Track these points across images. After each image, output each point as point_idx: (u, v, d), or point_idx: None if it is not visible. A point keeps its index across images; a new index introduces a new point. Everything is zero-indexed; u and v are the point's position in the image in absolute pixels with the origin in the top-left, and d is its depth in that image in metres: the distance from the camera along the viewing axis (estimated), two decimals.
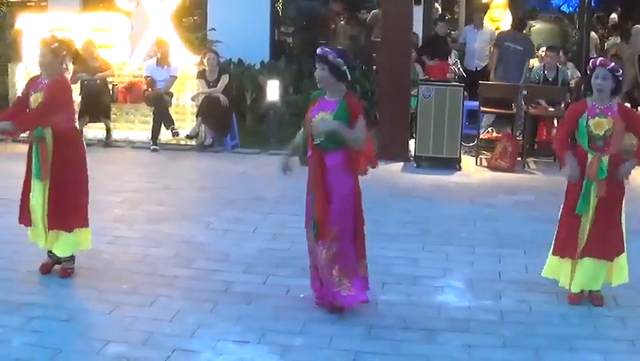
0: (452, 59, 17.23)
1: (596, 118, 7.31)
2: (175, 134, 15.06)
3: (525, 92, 15.08)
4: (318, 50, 7.10)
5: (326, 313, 7.16)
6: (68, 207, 7.94)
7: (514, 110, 14.88)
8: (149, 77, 15.49)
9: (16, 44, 16.64)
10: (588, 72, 7.53)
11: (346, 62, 7.08)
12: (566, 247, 7.55)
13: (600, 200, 7.34)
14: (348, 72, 7.10)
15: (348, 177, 7.04)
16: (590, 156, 7.32)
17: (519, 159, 14.19)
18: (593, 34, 20.69)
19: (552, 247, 7.72)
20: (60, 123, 7.82)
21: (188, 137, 15.24)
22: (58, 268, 8.10)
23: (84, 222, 8.12)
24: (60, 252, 8.03)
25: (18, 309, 7.11)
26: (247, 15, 17.57)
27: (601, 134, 7.29)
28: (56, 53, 7.82)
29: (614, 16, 23.59)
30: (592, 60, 7.52)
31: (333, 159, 6.98)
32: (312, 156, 7.04)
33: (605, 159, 7.31)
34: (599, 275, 7.53)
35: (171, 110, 15.34)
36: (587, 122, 7.31)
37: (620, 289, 7.68)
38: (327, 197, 6.97)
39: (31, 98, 7.83)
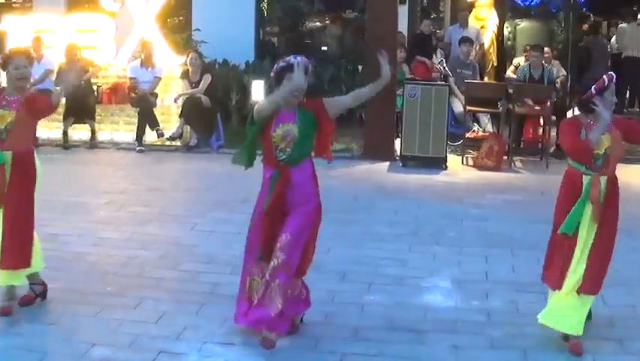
0: (437, 58, 17.21)
1: None
2: (160, 135, 15.04)
3: (510, 91, 15.06)
4: (299, 59, 6.56)
5: (312, 315, 7.06)
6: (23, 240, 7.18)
7: (500, 109, 14.89)
8: (132, 78, 15.46)
9: (0, 46, 16.57)
10: (595, 90, 6.58)
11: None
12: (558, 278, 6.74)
13: (600, 226, 6.63)
14: None
15: (314, 193, 6.69)
16: (585, 177, 6.61)
17: (505, 157, 14.20)
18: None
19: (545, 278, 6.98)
20: (25, 145, 7.25)
21: (171, 138, 15.21)
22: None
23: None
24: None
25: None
26: (232, 15, 17.56)
27: (601, 152, 6.62)
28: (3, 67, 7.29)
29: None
30: (605, 76, 6.65)
31: (301, 173, 6.60)
32: (274, 176, 6.61)
33: (604, 179, 6.63)
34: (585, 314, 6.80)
35: (156, 111, 15.31)
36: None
37: (609, 289, 7.65)
38: (281, 219, 6.60)
39: None
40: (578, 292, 6.61)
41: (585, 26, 20.59)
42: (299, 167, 6.59)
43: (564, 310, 6.65)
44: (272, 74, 6.74)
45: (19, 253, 7.09)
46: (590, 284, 6.63)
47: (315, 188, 6.71)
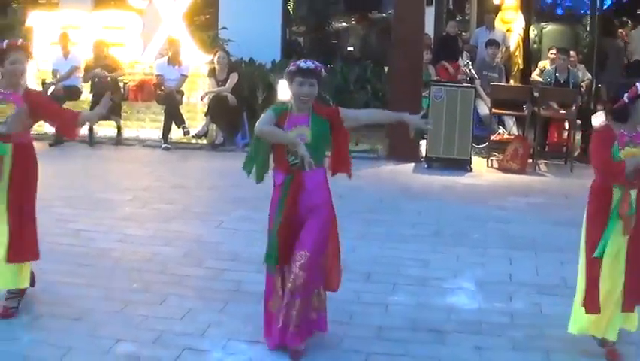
0: (464, 60, 17.19)
1: (627, 148, 6.35)
2: (186, 132, 15.08)
3: (536, 94, 15.03)
4: (310, 64, 6.48)
5: (337, 314, 7.02)
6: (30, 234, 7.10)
7: (525, 111, 14.85)
8: (159, 76, 15.51)
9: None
10: (628, 98, 6.37)
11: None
12: (595, 303, 6.46)
13: (632, 241, 6.41)
14: None
15: (327, 199, 6.56)
16: (616, 191, 6.37)
17: (530, 160, 14.17)
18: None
19: (580, 300, 6.60)
20: (25, 135, 7.15)
21: (197, 136, 15.26)
22: None
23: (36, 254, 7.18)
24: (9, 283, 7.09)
25: (26, 306, 7.09)
26: (258, 14, 17.56)
27: None
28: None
29: None
30: (638, 84, 6.33)
31: (313, 179, 6.44)
32: (286, 181, 6.48)
33: (634, 192, 6.38)
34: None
35: (182, 109, 15.36)
36: (617, 154, 6.34)
37: None
38: (297, 224, 6.48)
39: None
40: (624, 311, 6.52)
41: (622, 31, 20.39)
42: (311, 173, 6.38)
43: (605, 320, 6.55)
44: (285, 73, 6.67)
45: (27, 247, 7.02)
46: (633, 303, 6.53)
47: (328, 195, 6.56)
